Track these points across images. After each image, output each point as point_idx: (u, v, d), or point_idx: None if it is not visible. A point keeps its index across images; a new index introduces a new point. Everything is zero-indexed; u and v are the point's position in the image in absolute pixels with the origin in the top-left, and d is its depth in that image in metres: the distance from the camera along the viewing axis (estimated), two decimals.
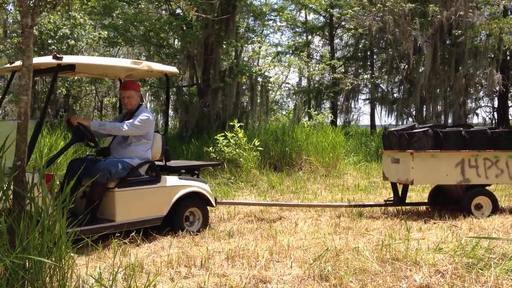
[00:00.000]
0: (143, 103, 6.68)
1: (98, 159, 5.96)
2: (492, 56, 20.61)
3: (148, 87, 20.03)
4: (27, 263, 3.27)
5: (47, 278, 3.35)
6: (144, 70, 6.02)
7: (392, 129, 8.15)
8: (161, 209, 5.85)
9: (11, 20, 21.33)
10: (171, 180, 6.06)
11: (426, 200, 8.10)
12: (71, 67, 5.25)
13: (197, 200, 6.23)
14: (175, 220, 5.93)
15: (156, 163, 6.09)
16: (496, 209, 7.13)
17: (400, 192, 7.60)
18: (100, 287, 3.63)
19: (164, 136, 6.24)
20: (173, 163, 6.66)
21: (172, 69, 6.46)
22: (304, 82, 32.48)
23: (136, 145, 5.89)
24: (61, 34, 16.29)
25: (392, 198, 7.66)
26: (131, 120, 5.82)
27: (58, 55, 5.11)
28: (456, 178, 7.08)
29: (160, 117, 22.20)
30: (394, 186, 7.63)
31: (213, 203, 6.41)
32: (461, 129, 7.31)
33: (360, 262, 4.41)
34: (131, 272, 4.10)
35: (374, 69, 26.79)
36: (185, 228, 5.96)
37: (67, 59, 5.30)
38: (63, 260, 3.42)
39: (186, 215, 6.11)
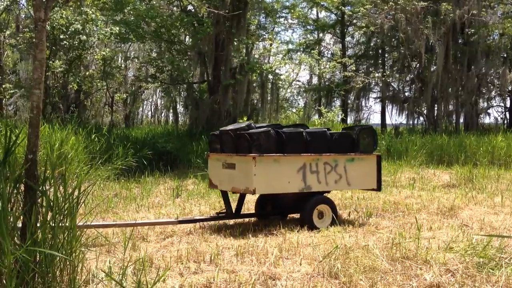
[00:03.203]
0: None
1: None
2: (505, 55, 20.48)
3: (159, 83, 20.11)
4: (38, 256, 3.29)
5: (58, 272, 3.37)
6: None
7: (225, 128, 6.83)
8: None
9: (23, 15, 21.50)
10: None
11: None
12: None
13: None
14: None
15: None
16: (336, 217, 6.31)
17: (236, 202, 6.66)
18: (110, 281, 3.65)
19: None
20: None
21: None
22: (315, 80, 32.53)
23: None
24: (73, 29, 16.39)
25: (224, 210, 6.54)
26: None
27: None
28: (298, 185, 6.13)
29: (170, 114, 22.24)
30: (225, 195, 6.50)
31: None
32: (302, 130, 6.46)
33: (370, 260, 4.39)
34: (141, 267, 4.11)
35: (386, 67, 26.69)
36: None
37: None
38: (73, 254, 3.44)
39: None
